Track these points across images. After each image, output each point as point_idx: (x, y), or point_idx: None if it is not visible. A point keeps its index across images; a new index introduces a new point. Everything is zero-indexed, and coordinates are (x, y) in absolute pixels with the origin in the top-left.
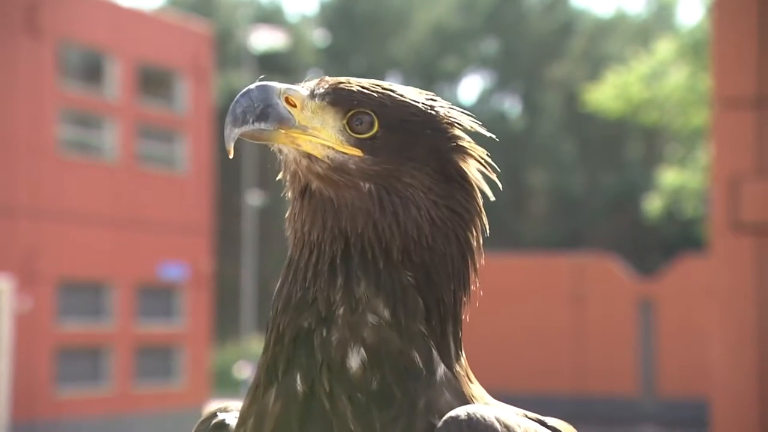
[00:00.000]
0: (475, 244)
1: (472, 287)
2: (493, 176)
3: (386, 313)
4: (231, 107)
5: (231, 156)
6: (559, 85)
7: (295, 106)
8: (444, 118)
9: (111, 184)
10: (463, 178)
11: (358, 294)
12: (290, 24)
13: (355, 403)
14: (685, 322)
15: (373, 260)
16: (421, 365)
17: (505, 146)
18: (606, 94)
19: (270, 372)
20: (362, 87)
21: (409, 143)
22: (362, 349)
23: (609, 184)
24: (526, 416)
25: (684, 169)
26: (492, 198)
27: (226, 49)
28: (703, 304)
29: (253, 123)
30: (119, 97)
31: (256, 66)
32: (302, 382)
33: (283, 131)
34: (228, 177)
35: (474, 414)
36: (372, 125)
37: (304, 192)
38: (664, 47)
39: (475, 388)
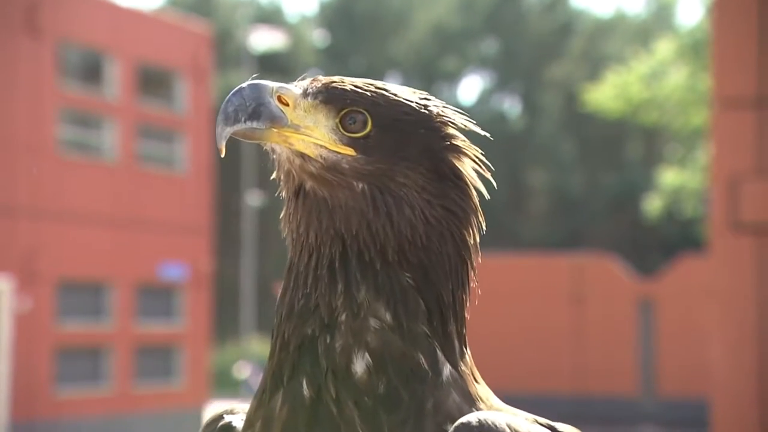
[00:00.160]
0: (471, 242)
1: (471, 285)
2: (488, 175)
3: (388, 317)
4: (223, 106)
5: (222, 155)
6: (559, 85)
7: (287, 104)
8: (437, 117)
9: (111, 184)
10: (458, 176)
11: (359, 299)
12: (290, 24)
13: (362, 408)
14: (685, 322)
15: (370, 262)
16: (426, 367)
17: (505, 146)
18: (606, 94)
19: (276, 377)
20: (355, 86)
21: (403, 142)
22: (366, 354)
23: (609, 184)
24: (537, 422)
25: (684, 169)
26: (487, 196)
27: (226, 49)
28: (703, 304)
29: (245, 122)
30: (119, 97)
31: (255, 66)
32: (308, 387)
33: (275, 130)
34: (228, 177)
35: (485, 420)
36: (365, 124)
37: (299, 192)
38: (664, 47)
39: (482, 389)
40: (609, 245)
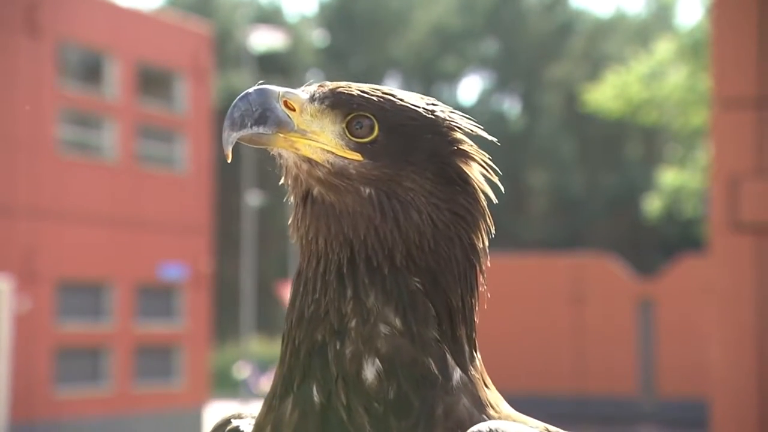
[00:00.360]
0: (480, 246)
1: (480, 289)
2: (495, 179)
3: (397, 322)
4: (229, 111)
5: (229, 160)
6: (559, 85)
7: (294, 109)
8: (444, 122)
9: (110, 184)
10: (465, 181)
11: (369, 305)
12: (290, 24)
13: (373, 414)
14: (684, 322)
15: (379, 267)
16: (436, 371)
17: (505, 146)
18: (605, 94)
19: (286, 383)
20: (362, 91)
21: (410, 147)
22: (377, 360)
23: (609, 184)
24: (548, 430)
25: (683, 169)
26: (495, 201)
27: (226, 50)
28: (702, 304)
29: (251, 127)
30: (119, 97)
31: (255, 66)
32: (319, 393)
33: (282, 135)
34: (227, 177)
35: (497, 430)
36: (372, 129)
37: (306, 197)
38: (664, 47)
39: (492, 394)
40: (609, 245)
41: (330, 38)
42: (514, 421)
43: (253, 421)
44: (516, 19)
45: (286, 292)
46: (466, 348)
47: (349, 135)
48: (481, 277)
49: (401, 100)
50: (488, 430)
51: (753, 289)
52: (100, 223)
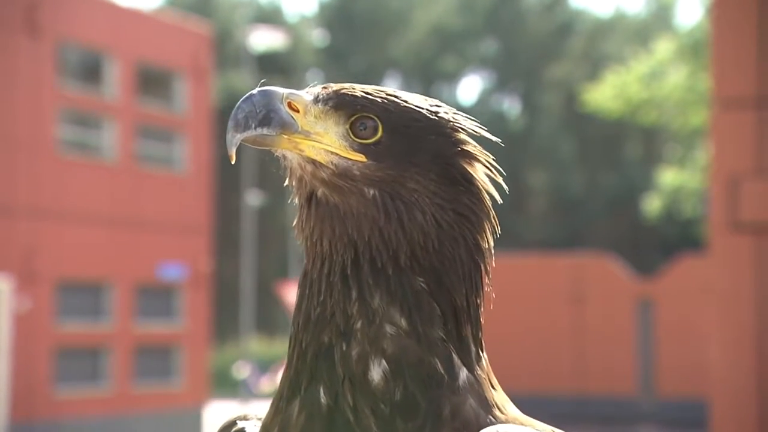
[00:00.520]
0: (485, 246)
1: (486, 289)
2: (500, 179)
3: (403, 322)
4: (233, 112)
5: (233, 161)
6: (559, 85)
7: (297, 111)
8: (448, 123)
9: (110, 184)
10: (469, 181)
11: (374, 306)
12: (289, 24)
13: (379, 416)
14: (684, 322)
15: (383, 268)
16: (442, 371)
17: (505, 146)
18: (605, 94)
19: (293, 385)
20: (366, 92)
21: (413, 148)
22: (383, 361)
23: (608, 184)
24: None
25: (683, 169)
26: (500, 201)
27: (226, 49)
28: (702, 303)
29: (255, 128)
30: (118, 97)
31: (255, 66)
32: (325, 395)
33: (285, 137)
34: (227, 177)
35: None
36: (376, 130)
37: (311, 199)
38: (664, 47)
39: (498, 395)
40: (608, 245)
41: (330, 38)
42: (522, 424)
43: (258, 423)
44: (516, 18)
45: (286, 292)
46: (473, 348)
47: (353, 136)
48: (486, 277)
49: (405, 101)
50: None
51: (752, 289)
52: (100, 223)
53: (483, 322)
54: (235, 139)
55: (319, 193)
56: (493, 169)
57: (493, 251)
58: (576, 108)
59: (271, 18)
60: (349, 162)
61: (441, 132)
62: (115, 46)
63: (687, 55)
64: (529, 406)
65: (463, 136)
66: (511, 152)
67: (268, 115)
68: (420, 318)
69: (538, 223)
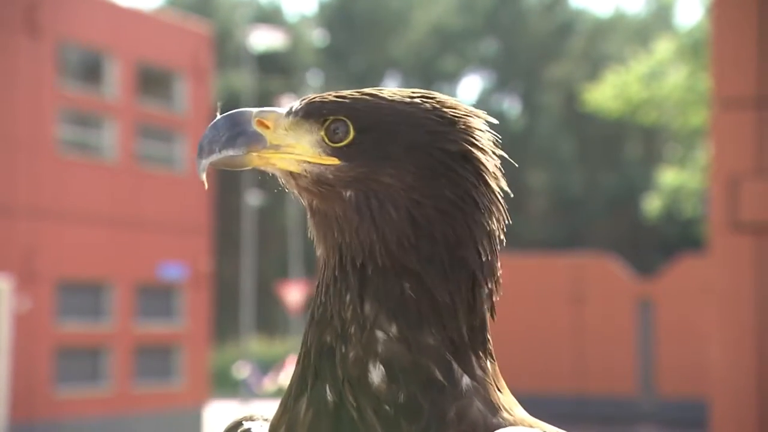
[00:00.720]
0: (471, 241)
1: (482, 288)
2: (484, 156)
3: (393, 328)
4: (200, 140)
5: (206, 187)
6: (559, 85)
7: (268, 127)
8: (423, 113)
9: (110, 183)
10: (450, 169)
11: (366, 311)
12: (289, 24)
13: (382, 417)
14: (684, 322)
15: (363, 269)
16: (441, 377)
17: (505, 146)
18: (605, 93)
19: (301, 383)
20: (337, 96)
21: (386, 143)
22: (380, 365)
23: (608, 184)
24: None
25: (683, 169)
26: (497, 189)
27: (226, 49)
28: (702, 303)
29: (219, 151)
30: (119, 97)
31: (255, 66)
32: (331, 392)
33: (255, 154)
34: (227, 177)
35: None
36: (348, 132)
37: (309, 208)
38: (664, 47)
39: (505, 398)
40: (608, 245)
41: (330, 38)
42: (530, 426)
43: (264, 423)
44: (516, 18)
45: (286, 292)
46: (471, 351)
47: (328, 142)
48: (480, 274)
49: (377, 98)
50: None
51: (752, 289)
52: (100, 223)
53: (485, 323)
54: (201, 166)
55: (310, 201)
56: (489, 154)
57: (490, 249)
58: (576, 108)
59: (271, 18)
60: (322, 167)
61: (414, 122)
62: (115, 45)
63: (687, 55)
64: (529, 406)
65: (437, 124)
66: (510, 152)
67: (233, 137)
68: (407, 322)
69: (538, 222)
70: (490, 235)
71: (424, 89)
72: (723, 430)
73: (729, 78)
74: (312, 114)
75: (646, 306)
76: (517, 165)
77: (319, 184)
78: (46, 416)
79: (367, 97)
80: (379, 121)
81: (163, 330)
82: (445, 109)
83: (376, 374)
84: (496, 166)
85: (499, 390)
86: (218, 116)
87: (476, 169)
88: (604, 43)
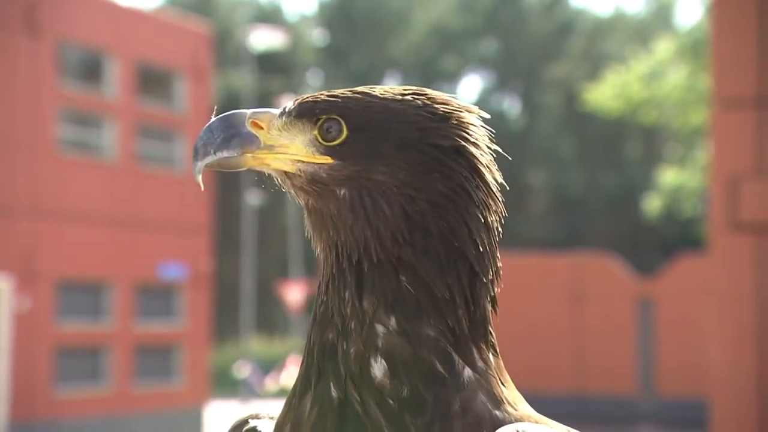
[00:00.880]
0: (466, 233)
1: (481, 279)
2: (477, 150)
3: (392, 321)
4: (195, 143)
5: (202, 188)
6: (559, 84)
7: (262, 128)
8: (413, 110)
9: (110, 183)
10: (442, 164)
11: (365, 306)
12: (289, 23)
13: (387, 411)
14: (684, 322)
15: (359, 266)
16: (442, 370)
17: (505, 146)
18: (605, 93)
19: (305, 381)
20: (330, 96)
21: (378, 140)
22: (381, 359)
23: (608, 184)
24: None
25: (683, 169)
26: (492, 183)
27: (226, 49)
28: (702, 303)
29: (214, 153)
30: (118, 97)
31: (255, 65)
32: (335, 389)
33: (249, 155)
34: (227, 177)
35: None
36: (341, 131)
37: (306, 207)
38: (664, 47)
39: (508, 392)
40: (608, 244)
41: (330, 38)
42: (537, 422)
43: (270, 421)
44: (516, 18)
45: (286, 292)
46: (472, 344)
47: (321, 141)
48: (477, 266)
49: (369, 96)
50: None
51: (752, 288)
52: (100, 222)
53: (486, 315)
54: (197, 168)
55: (306, 200)
56: (482, 148)
57: (488, 240)
58: (576, 107)
59: (271, 17)
60: (315, 166)
61: (405, 119)
62: (115, 45)
63: (687, 54)
64: (529, 405)
65: (430, 122)
66: (510, 152)
67: (227, 139)
68: (406, 315)
69: (538, 222)
70: (486, 226)
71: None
72: (723, 430)
73: (729, 78)
74: (305, 114)
75: (646, 306)
76: (515, 162)
77: (313, 183)
78: (46, 416)
79: (359, 95)
80: (371, 119)
81: (163, 330)
82: (436, 105)
83: (378, 368)
84: (489, 159)
85: (502, 383)
86: (213, 118)
87: (469, 162)
88: (604, 43)
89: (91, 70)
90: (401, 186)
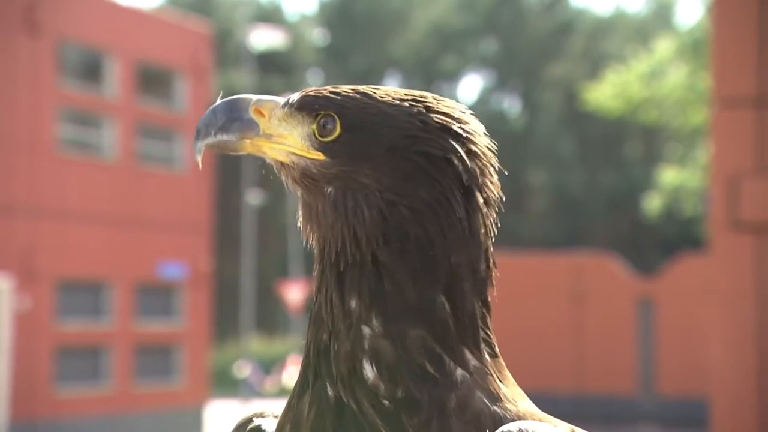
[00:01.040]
0: (443, 239)
1: (462, 285)
2: (470, 162)
3: (377, 324)
4: (198, 123)
5: (200, 167)
6: (559, 84)
7: (264, 115)
8: (406, 117)
9: (110, 182)
10: (427, 173)
11: (352, 307)
12: (289, 23)
13: (382, 412)
14: (684, 321)
15: (337, 265)
16: (431, 370)
17: (505, 145)
18: (605, 93)
19: (304, 381)
20: (331, 92)
21: (368, 143)
22: (370, 360)
23: (608, 183)
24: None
25: (683, 168)
26: (492, 196)
27: (226, 48)
28: (702, 302)
29: (215, 135)
30: (118, 96)
31: (255, 65)
32: (332, 389)
33: (248, 140)
34: (227, 176)
35: (527, 431)
36: (335, 129)
37: (302, 200)
38: (664, 46)
39: (508, 389)
40: (609, 244)
41: (330, 37)
42: (539, 419)
43: (274, 420)
44: (516, 17)
45: (286, 292)
46: (462, 344)
47: (317, 136)
48: (454, 273)
49: (367, 97)
50: (518, 430)
51: (753, 287)
52: (100, 222)
53: (475, 318)
54: (197, 147)
55: (299, 193)
56: (475, 160)
57: (470, 250)
58: (576, 107)
59: (271, 17)
60: (308, 161)
61: (396, 125)
62: (115, 44)
63: (687, 54)
64: None
65: (416, 130)
66: (511, 151)
67: (228, 122)
68: (388, 318)
69: (538, 221)
70: (468, 236)
71: (423, 89)
72: (723, 429)
73: (729, 77)
74: (305, 107)
75: (647, 305)
76: (515, 161)
77: (305, 177)
78: (47, 415)
79: (358, 96)
80: (365, 120)
81: (163, 329)
82: (431, 114)
83: (369, 369)
84: (483, 172)
85: (500, 381)
86: (218, 101)
87: (456, 174)
88: (604, 42)
89: (91, 70)
90: (384, 190)
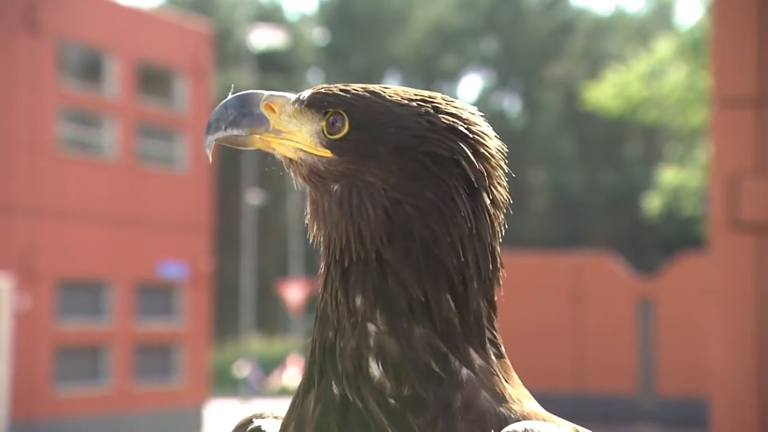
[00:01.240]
0: (448, 240)
1: (468, 285)
2: (476, 163)
3: (381, 321)
4: (209, 117)
5: (210, 161)
6: (559, 83)
7: (274, 111)
8: (414, 117)
9: (110, 182)
10: (433, 173)
11: (357, 304)
12: (290, 22)
13: (388, 410)
14: (684, 321)
15: (341, 263)
16: (437, 368)
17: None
18: (605, 92)
19: (308, 379)
20: (341, 90)
21: (375, 142)
22: (376, 358)
23: (608, 183)
24: (577, 431)
25: (683, 168)
26: (504, 198)
27: (226, 48)
28: (702, 302)
29: (225, 129)
30: (119, 96)
31: (255, 65)
32: (337, 387)
33: (257, 136)
34: (227, 176)
35: (532, 431)
36: (344, 126)
37: (309, 196)
38: (664, 46)
39: (513, 389)
40: (609, 244)
41: (330, 37)
42: (544, 419)
43: (274, 420)
44: (516, 17)
45: (286, 291)
46: (468, 343)
47: (326, 133)
48: (457, 273)
49: (377, 96)
50: (523, 430)
51: (753, 287)
52: (100, 221)
53: (480, 317)
54: (207, 141)
55: (307, 189)
56: (482, 161)
57: (476, 249)
58: (576, 106)
59: (271, 16)
60: (315, 158)
61: (404, 125)
62: (115, 44)
63: (687, 53)
64: None
65: (425, 131)
66: (510, 151)
67: (239, 117)
68: (392, 316)
69: (538, 221)
70: (475, 236)
71: (424, 88)
72: (723, 429)
73: (729, 77)
74: (315, 104)
75: (647, 305)
76: (515, 161)
77: (312, 174)
78: (46, 415)
79: (367, 94)
80: (373, 119)
81: (163, 329)
82: (439, 115)
83: (375, 368)
84: (491, 174)
85: (506, 381)
86: (230, 95)
87: (463, 175)
88: (604, 42)
89: (91, 69)
90: (389, 189)
